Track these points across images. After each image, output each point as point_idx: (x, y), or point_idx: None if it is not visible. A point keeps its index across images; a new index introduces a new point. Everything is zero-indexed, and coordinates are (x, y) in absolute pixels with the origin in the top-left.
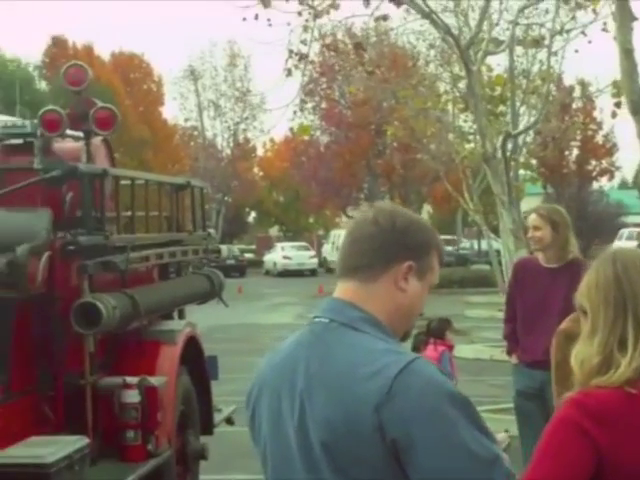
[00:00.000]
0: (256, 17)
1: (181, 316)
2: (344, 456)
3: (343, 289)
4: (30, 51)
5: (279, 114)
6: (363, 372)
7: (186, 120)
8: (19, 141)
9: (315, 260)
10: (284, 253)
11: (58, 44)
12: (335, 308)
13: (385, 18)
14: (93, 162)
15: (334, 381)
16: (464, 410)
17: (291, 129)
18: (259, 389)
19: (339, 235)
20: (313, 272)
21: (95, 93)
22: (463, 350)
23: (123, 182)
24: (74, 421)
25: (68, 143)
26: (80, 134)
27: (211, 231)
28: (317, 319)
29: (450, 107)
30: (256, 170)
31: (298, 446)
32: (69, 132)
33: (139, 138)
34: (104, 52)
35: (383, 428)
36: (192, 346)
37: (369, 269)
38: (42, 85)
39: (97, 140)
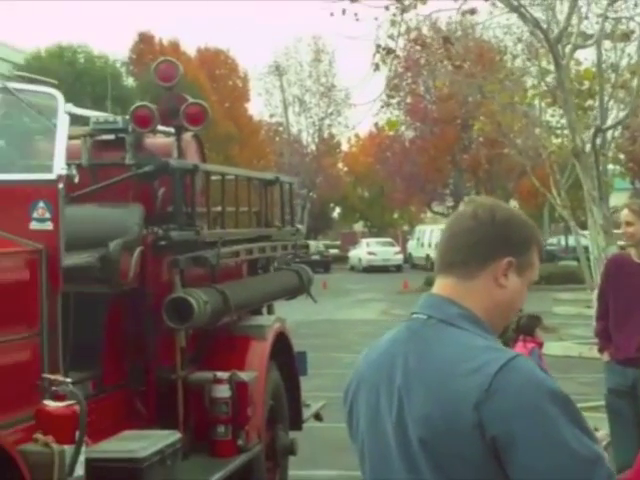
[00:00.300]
0: (343, 12)
1: (270, 311)
2: (443, 453)
3: (441, 285)
4: (117, 47)
5: (365, 109)
6: (462, 369)
7: (271, 116)
8: (111, 137)
9: (400, 256)
10: (369, 249)
11: (145, 40)
12: (433, 304)
13: (473, 12)
14: (184, 158)
15: (433, 378)
16: (565, 408)
17: (376, 124)
18: (357, 385)
19: (424, 231)
20: (398, 268)
21: (182, 89)
22: (552, 347)
23: (213, 178)
24: (165, 415)
25: (159, 139)
26: (171, 130)
27: (299, 226)
28: (415, 315)
29: (537, 102)
30: (341, 165)
31: (396, 443)
32: (160, 128)
33: (225, 134)
34: (190, 48)
35: (483, 425)
36: (281, 341)
37: (466, 265)
38: (129, 81)
39: (188, 136)
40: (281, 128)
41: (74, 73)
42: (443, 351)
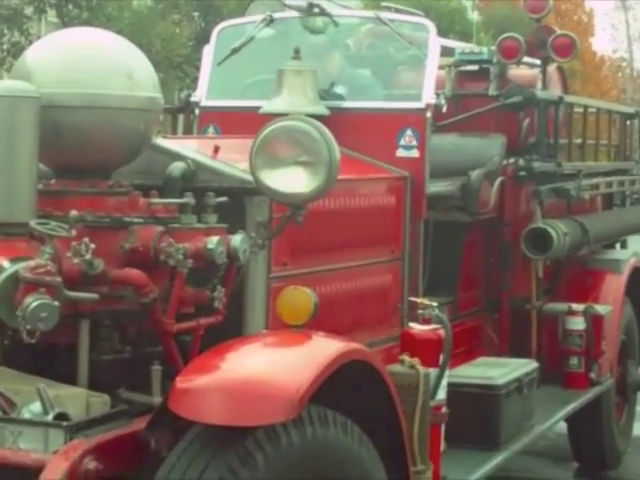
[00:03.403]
0: None
1: (623, 246)
2: None
3: None
4: None
5: None
6: None
7: (614, 51)
8: (474, 68)
9: None
10: None
11: None
12: None
13: None
14: (547, 89)
15: None
16: None
17: None
18: None
19: None
20: None
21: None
22: None
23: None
24: (517, 344)
25: (522, 70)
26: (535, 61)
27: None
28: None
29: None
30: None
31: None
32: (524, 59)
33: (568, 68)
34: None
35: None
36: (636, 277)
37: None
38: (474, 15)
39: (551, 67)
40: (624, 64)
41: (420, 7)
42: None
